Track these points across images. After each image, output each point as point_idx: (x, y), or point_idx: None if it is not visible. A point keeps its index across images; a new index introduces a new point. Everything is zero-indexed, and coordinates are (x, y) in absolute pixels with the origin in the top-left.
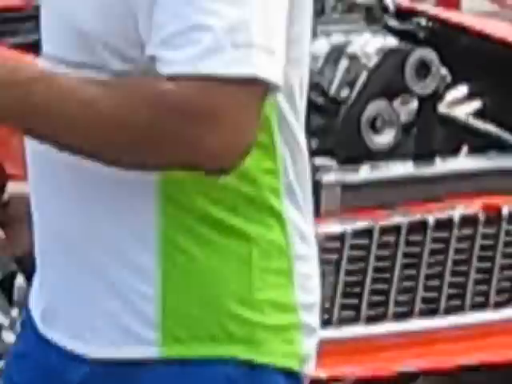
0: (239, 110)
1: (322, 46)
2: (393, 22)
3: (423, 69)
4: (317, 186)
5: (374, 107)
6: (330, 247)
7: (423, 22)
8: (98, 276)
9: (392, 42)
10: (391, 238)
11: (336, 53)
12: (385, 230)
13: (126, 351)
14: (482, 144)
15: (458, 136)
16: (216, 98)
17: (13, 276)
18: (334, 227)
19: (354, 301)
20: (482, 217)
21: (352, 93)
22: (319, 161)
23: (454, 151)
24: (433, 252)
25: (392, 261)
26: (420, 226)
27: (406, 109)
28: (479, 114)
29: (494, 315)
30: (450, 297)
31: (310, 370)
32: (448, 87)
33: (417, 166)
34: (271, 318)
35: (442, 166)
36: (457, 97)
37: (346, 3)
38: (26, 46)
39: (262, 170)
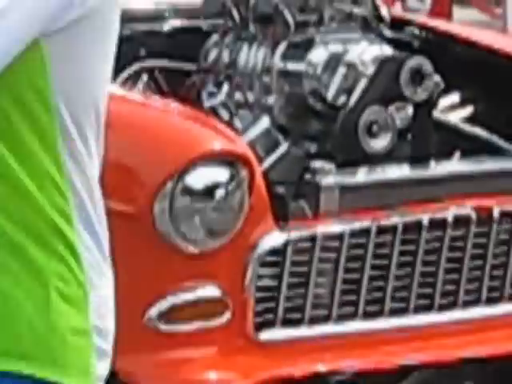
0: None
1: (321, 54)
2: (388, 32)
3: (418, 76)
4: (316, 189)
5: (371, 113)
6: (329, 246)
7: (417, 31)
8: None
9: (388, 50)
10: (388, 238)
11: (334, 61)
12: (382, 230)
13: None
14: (474, 148)
15: (451, 140)
16: None
17: None
18: (333, 227)
19: (353, 297)
20: (474, 217)
21: (349, 99)
22: (318, 164)
23: (448, 155)
24: (427, 251)
25: (389, 259)
26: (415, 226)
27: (402, 114)
28: (471, 119)
29: (486, 311)
30: (444, 293)
31: None
32: (441, 94)
33: (412, 169)
34: (65, 340)
35: (436, 168)
36: (450, 103)
37: (343, 13)
38: None
39: (52, 202)
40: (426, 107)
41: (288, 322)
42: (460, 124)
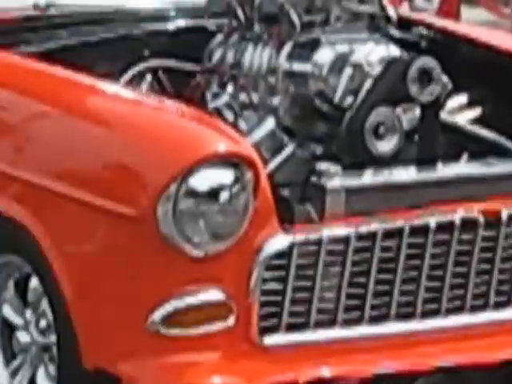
0: None
1: (327, 54)
2: (395, 32)
3: (425, 77)
4: (322, 191)
5: (378, 114)
6: (335, 250)
7: (424, 31)
8: None
9: (395, 51)
10: (394, 241)
11: (340, 61)
12: (388, 234)
13: None
14: (482, 150)
15: (459, 142)
16: None
17: (28, 277)
18: (338, 230)
19: (359, 302)
20: (481, 221)
21: (356, 100)
22: (324, 166)
23: (455, 157)
24: (434, 255)
25: (395, 263)
26: (422, 230)
27: (409, 116)
28: (479, 120)
29: (493, 316)
30: (451, 298)
31: None
32: (449, 95)
33: (419, 172)
34: None
35: (444, 171)
36: (458, 104)
37: (349, 12)
38: (39, 54)
39: None
40: (433, 108)
41: (293, 327)
42: (468, 125)
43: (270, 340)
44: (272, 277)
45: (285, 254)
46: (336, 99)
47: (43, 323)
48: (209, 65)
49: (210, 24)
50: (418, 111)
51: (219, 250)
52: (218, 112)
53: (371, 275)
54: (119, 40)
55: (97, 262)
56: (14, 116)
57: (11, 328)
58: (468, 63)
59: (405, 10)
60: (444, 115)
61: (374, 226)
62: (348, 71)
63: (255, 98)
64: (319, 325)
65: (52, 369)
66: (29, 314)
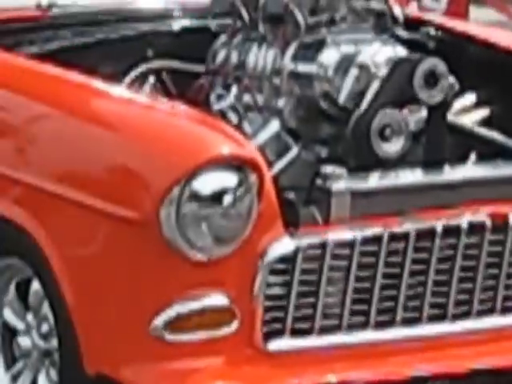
0: None
1: (332, 55)
2: (401, 32)
3: (432, 78)
4: (327, 194)
5: (384, 116)
6: (340, 254)
7: (432, 31)
8: None
9: (401, 51)
10: (400, 245)
11: (346, 62)
12: (394, 237)
13: None
14: (490, 152)
15: (466, 144)
16: None
17: (29, 281)
18: (344, 234)
19: (364, 306)
20: (489, 224)
21: (362, 102)
22: (329, 169)
23: (462, 159)
24: (441, 259)
25: (401, 267)
26: (428, 234)
27: (415, 117)
28: (487, 122)
29: (500, 321)
30: (458, 303)
31: None
32: (456, 96)
33: (426, 174)
34: None
35: (451, 173)
36: (465, 105)
37: (355, 13)
38: (42, 55)
39: None
40: (440, 110)
41: (297, 332)
42: (475, 127)
43: (274, 345)
44: (276, 281)
45: (289, 258)
46: (341, 101)
47: (44, 327)
48: (212, 66)
49: (214, 24)
50: (424, 113)
51: (223, 254)
52: (222, 114)
53: (377, 280)
54: (122, 40)
55: (99, 265)
56: (15, 117)
57: (12, 332)
58: (476, 63)
59: (413, 9)
60: (451, 116)
61: (380, 229)
62: (354, 72)
63: (260, 99)
64: (324, 330)
65: (53, 373)
66: (30, 317)
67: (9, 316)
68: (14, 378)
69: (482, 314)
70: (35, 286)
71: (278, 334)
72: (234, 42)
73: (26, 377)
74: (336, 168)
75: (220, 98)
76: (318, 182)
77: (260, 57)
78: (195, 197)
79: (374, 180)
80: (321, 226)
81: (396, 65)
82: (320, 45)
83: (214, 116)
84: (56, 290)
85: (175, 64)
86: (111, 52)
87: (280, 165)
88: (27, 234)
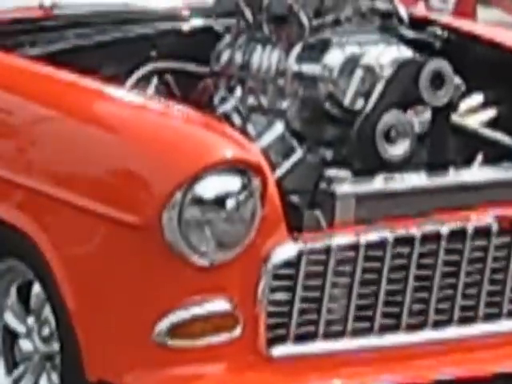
0: None
1: (337, 56)
2: (407, 32)
3: (438, 79)
4: (331, 197)
5: (389, 118)
6: (344, 258)
7: (438, 31)
8: None
9: (406, 52)
10: (405, 249)
11: (351, 64)
12: (399, 241)
13: None
14: (496, 154)
15: (472, 146)
16: None
17: (30, 284)
18: (348, 238)
19: (369, 311)
20: (495, 228)
21: (367, 103)
22: (334, 171)
23: (469, 162)
24: (446, 262)
25: (406, 271)
26: (434, 237)
27: (421, 119)
28: (493, 123)
29: (508, 325)
30: (464, 307)
31: None
32: (462, 97)
33: (431, 177)
34: None
35: (457, 176)
36: (471, 106)
37: (360, 13)
38: (44, 56)
39: None
40: (446, 111)
41: (301, 338)
42: (482, 129)
43: (278, 351)
44: (280, 286)
45: (293, 263)
46: (346, 102)
47: (46, 331)
48: (216, 67)
49: (218, 25)
50: (429, 114)
51: (225, 258)
52: (225, 116)
53: (381, 284)
54: (125, 41)
55: (100, 271)
56: (15, 120)
57: (13, 336)
58: (482, 64)
59: (420, 10)
60: (457, 118)
61: (385, 233)
62: (359, 74)
63: (264, 101)
64: (328, 335)
65: (55, 377)
66: (31, 321)
67: (10, 319)
68: (15, 382)
69: (488, 318)
70: (36, 288)
71: (282, 339)
72: (238, 42)
73: (27, 381)
74: (340, 171)
75: (224, 99)
76: (323, 185)
77: (264, 58)
78: (198, 201)
79: (379, 183)
80: (325, 230)
81: (401, 66)
82: (325, 46)
83: (218, 118)
84: (57, 294)
85: (179, 65)
86: (114, 53)
87: (284, 167)
88: (28, 237)
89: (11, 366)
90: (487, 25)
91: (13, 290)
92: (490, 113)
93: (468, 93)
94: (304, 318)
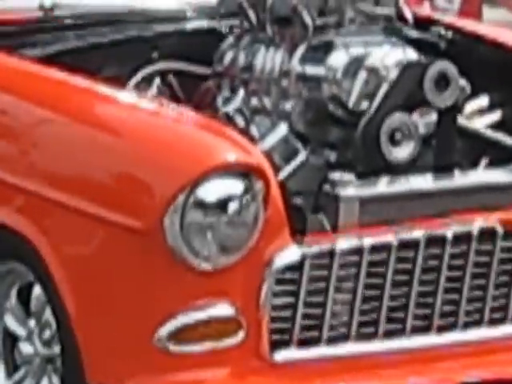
0: None
1: (341, 57)
2: (411, 32)
3: (443, 81)
4: (335, 200)
5: (393, 120)
6: (348, 262)
7: (443, 31)
8: None
9: (411, 54)
10: (410, 253)
11: (355, 65)
12: (404, 245)
13: None
14: (502, 156)
15: (478, 148)
16: None
17: (30, 286)
18: (352, 242)
19: (373, 316)
20: (500, 231)
21: (371, 105)
22: (337, 174)
23: (474, 164)
24: (451, 266)
25: (410, 275)
26: (439, 241)
27: (425, 121)
28: (499, 125)
29: None
30: (469, 311)
31: None
32: (468, 99)
33: (436, 180)
34: None
35: (462, 179)
36: (477, 108)
37: (365, 14)
38: (45, 58)
39: None
40: (451, 113)
41: (305, 342)
42: (487, 131)
43: (281, 356)
44: (283, 291)
45: (296, 267)
46: (350, 104)
47: (47, 334)
48: (219, 68)
49: (221, 26)
50: (434, 116)
51: (228, 263)
52: (228, 117)
53: (386, 288)
54: (127, 42)
55: (101, 275)
56: (16, 122)
57: (14, 338)
58: (488, 65)
59: (425, 10)
60: (462, 120)
61: (389, 237)
62: (363, 75)
63: (267, 102)
64: (332, 340)
65: (56, 380)
66: (32, 323)
67: (10, 322)
68: None
69: (493, 322)
70: (37, 291)
71: (285, 344)
72: (241, 43)
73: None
74: (345, 173)
75: (227, 100)
76: (326, 187)
77: (268, 59)
78: (200, 205)
79: (384, 186)
80: (329, 234)
81: (406, 67)
82: (328, 47)
83: (220, 120)
84: (58, 298)
85: (181, 66)
86: (116, 54)
87: (287, 169)
88: (28, 242)
89: (11, 370)
90: (492, 25)
91: (13, 293)
92: (495, 115)
93: (473, 94)
94: (307, 322)
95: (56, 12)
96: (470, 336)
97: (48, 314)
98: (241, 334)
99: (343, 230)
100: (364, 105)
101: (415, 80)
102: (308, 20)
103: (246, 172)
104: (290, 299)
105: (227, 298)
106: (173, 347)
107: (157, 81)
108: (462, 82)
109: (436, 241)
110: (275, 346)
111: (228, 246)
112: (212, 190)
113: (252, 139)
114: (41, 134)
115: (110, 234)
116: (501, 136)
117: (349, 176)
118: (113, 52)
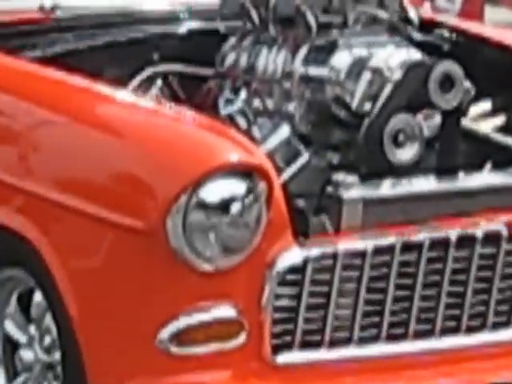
0: None
1: (344, 58)
2: (416, 34)
3: (447, 82)
4: (338, 202)
5: (397, 121)
6: (351, 264)
7: (447, 33)
8: None
9: (415, 55)
10: (413, 255)
11: (358, 66)
12: (407, 247)
13: None
14: (506, 159)
15: (482, 151)
16: None
17: (31, 292)
18: (355, 244)
19: (376, 319)
20: (505, 233)
21: (374, 106)
22: (341, 176)
23: (478, 166)
24: (455, 269)
25: (414, 278)
26: (442, 243)
27: (430, 123)
28: (503, 128)
29: None
30: (473, 315)
31: None
32: (472, 101)
33: (440, 182)
34: None
35: (466, 181)
36: (481, 111)
37: (368, 15)
38: (45, 59)
39: None
40: (455, 115)
41: (307, 345)
42: (491, 133)
43: (283, 358)
44: (285, 293)
45: (299, 269)
46: (354, 105)
47: (47, 340)
48: (221, 69)
49: (223, 26)
50: (439, 118)
51: (230, 264)
52: (230, 119)
53: (389, 291)
54: (128, 43)
55: (103, 276)
56: (17, 123)
57: (14, 345)
58: (492, 67)
59: (426, 10)
60: (467, 122)
61: (392, 239)
62: (366, 76)
63: (269, 103)
64: (334, 343)
65: None
66: (32, 330)
67: (10, 328)
68: None
69: (497, 326)
70: (37, 297)
71: (287, 346)
72: (243, 44)
73: None
74: (348, 175)
75: (229, 102)
76: (329, 189)
77: (270, 60)
78: (202, 205)
79: (387, 188)
80: (331, 236)
81: (410, 68)
82: (332, 48)
83: (222, 121)
84: (59, 302)
85: (183, 67)
86: (117, 55)
87: (290, 171)
88: (29, 243)
89: (12, 376)
90: (495, 26)
91: (13, 299)
92: (500, 118)
93: (477, 96)
94: (310, 324)
95: (56, 13)
96: (499, 337)
97: (48, 320)
98: (243, 336)
99: (346, 231)
100: (367, 106)
101: (419, 81)
102: (311, 20)
103: (248, 172)
104: (292, 301)
105: (229, 299)
106: (174, 349)
107: (158, 82)
108: (467, 83)
109: (441, 243)
110: (277, 348)
111: (230, 247)
112: (214, 191)
113: (254, 140)
114: (41, 134)
115: (112, 236)
116: (505, 139)
117: (352, 178)
118: (114, 53)
